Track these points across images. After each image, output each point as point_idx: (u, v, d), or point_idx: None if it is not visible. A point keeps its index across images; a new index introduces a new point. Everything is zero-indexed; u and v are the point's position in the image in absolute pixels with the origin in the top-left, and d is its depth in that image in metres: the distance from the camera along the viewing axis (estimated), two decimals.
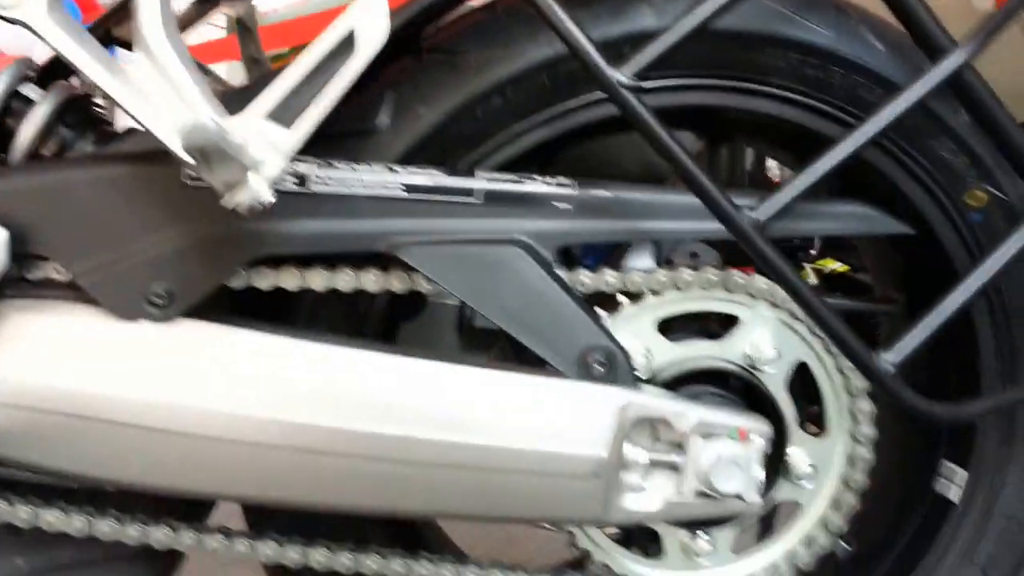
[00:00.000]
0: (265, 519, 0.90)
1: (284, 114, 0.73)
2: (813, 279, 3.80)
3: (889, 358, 0.71)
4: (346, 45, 0.72)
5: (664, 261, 0.91)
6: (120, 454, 0.79)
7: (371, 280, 0.81)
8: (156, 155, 0.77)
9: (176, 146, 0.70)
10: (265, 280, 0.81)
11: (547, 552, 0.91)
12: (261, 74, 1.03)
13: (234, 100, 0.74)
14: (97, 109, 0.92)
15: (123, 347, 0.79)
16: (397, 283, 0.82)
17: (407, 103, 0.85)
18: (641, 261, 0.89)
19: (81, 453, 0.80)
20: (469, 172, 0.82)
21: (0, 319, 0.79)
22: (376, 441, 0.77)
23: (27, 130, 0.85)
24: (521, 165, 0.86)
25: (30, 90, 0.87)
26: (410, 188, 0.80)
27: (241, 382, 0.78)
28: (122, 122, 0.91)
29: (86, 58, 0.74)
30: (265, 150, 0.69)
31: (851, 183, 0.90)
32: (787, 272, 0.73)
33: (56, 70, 0.90)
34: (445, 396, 0.78)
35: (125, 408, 0.78)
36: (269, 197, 0.68)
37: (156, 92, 0.72)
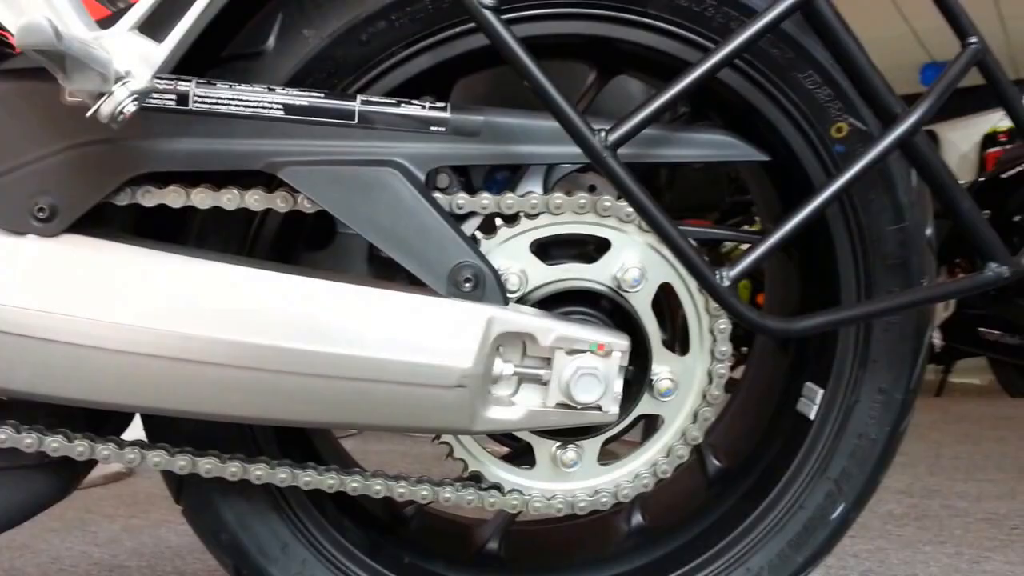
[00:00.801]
0: (163, 430, 0.91)
1: (157, 29, 0.72)
2: None
3: (727, 274, 0.72)
4: None
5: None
6: (6, 363, 0.79)
7: (255, 199, 0.81)
8: (40, 71, 0.76)
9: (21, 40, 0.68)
10: (150, 198, 0.80)
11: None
12: None
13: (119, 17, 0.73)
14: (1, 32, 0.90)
15: (8, 259, 0.78)
16: (281, 203, 0.81)
17: (293, 26, 0.84)
18: (534, 184, 0.89)
19: None
20: (347, 95, 0.82)
21: None
22: (249, 351, 0.77)
23: None
24: (413, 92, 0.86)
25: None
26: (289, 109, 0.80)
27: (120, 294, 0.78)
28: None
29: None
30: (132, 62, 0.68)
31: (730, 119, 0.91)
32: (636, 191, 0.74)
33: None
34: (317, 309, 0.78)
35: (9, 318, 0.77)
36: (130, 107, 0.67)
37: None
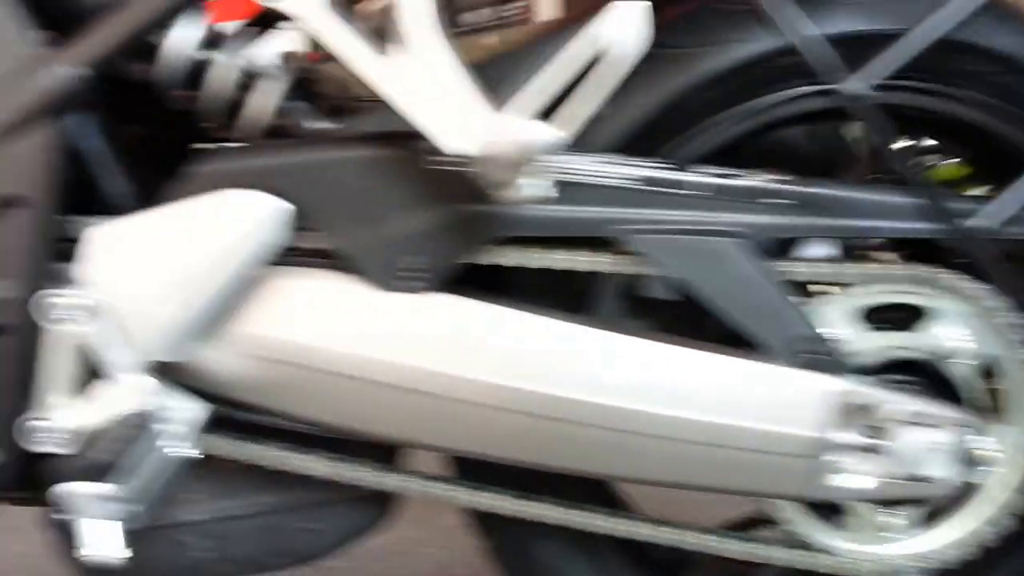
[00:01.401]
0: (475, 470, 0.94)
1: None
2: None
3: None
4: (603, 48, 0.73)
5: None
6: (368, 409, 0.83)
7: (605, 263, 0.83)
8: (401, 136, 0.80)
9: (449, 143, 0.73)
10: (508, 258, 0.83)
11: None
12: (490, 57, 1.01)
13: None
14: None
15: (376, 315, 0.82)
16: (629, 267, 0.84)
17: (621, 92, 0.86)
18: (819, 249, 0.90)
19: (331, 405, 0.84)
20: (695, 166, 0.84)
21: (269, 284, 0.83)
22: (611, 414, 0.80)
23: (264, 103, 0.89)
24: (712, 156, 0.88)
25: (260, 63, 0.91)
26: (640, 179, 0.82)
27: (481, 351, 0.81)
28: None
29: (360, 56, 0.76)
30: (538, 149, 0.72)
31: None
32: (1008, 276, 0.74)
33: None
34: (673, 375, 0.81)
35: (375, 368, 0.81)
36: (551, 192, 0.71)
37: (427, 91, 0.75)
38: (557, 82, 0.73)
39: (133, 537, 0.77)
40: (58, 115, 0.78)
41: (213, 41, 0.91)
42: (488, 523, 0.97)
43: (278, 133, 0.92)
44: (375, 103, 0.90)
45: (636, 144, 0.86)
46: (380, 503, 0.95)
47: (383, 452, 0.92)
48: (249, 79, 0.91)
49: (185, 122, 0.98)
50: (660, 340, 0.82)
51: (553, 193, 0.71)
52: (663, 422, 0.80)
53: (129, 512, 0.73)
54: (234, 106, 0.91)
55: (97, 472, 0.72)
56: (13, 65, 0.78)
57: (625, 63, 0.72)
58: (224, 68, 0.91)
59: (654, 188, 0.82)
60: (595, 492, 0.96)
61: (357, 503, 0.95)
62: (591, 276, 0.87)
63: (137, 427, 0.75)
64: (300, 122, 0.92)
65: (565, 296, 0.89)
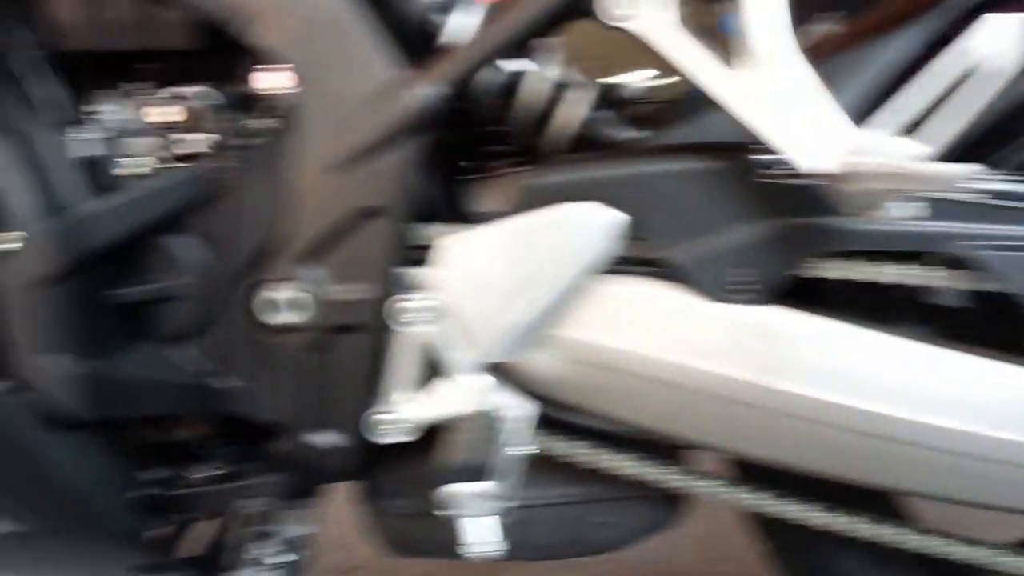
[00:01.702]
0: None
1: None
2: None
3: None
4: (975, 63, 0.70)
5: None
6: (690, 416, 0.84)
7: (939, 278, 0.81)
8: (729, 148, 0.81)
9: (806, 160, 0.72)
10: (834, 270, 0.82)
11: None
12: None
13: None
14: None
15: (706, 326, 0.83)
16: (965, 283, 0.81)
17: None
18: None
19: (655, 411, 0.85)
20: None
21: (596, 291, 0.85)
22: (952, 436, 0.78)
23: (573, 114, 0.91)
24: None
25: (565, 76, 0.93)
26: (989, 192, 0.79)
27: (815, 365, 0.80)
28: None
29: (710, 72, 0.77)
30: (908, 165, 0.70)
31: None
32: None
33: None
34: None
35: (703, 378, 0.82)
36: (921, 211, 0.69)
37: (781, 106, 0.74)
38: (924, 97, 0.71)
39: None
40: (420, 133, 0.82)
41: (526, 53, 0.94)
42: (771, 525, 0.97)
43: (584, 143, 0.94)
44: (676, 112, 0.92)
45: (966, 151, 0.83)
46: (672, 502, 0.97)
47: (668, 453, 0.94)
48: (559, 90, 0.94)
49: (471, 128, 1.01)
50: (984, 356, 0.79)
51: (925, 212, 0.70)
52: (999, 445, 0.78)
53: (504, 508, 0.78)
54: (543, 116, 0.94)
55: (473, 472, 0.76)
56: (377, 87, 0.83)
57: (1000, 80, 0.69)
58: (537, 79, 0.93)
59: (1005, 202, 0.78)
60: (882, 503, 0.95)
61: (651, 501, 0.97)
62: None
63: (490, 427, 0.79)
64: (605, 132, 0.94)
65: (855, 304, 0.87)
